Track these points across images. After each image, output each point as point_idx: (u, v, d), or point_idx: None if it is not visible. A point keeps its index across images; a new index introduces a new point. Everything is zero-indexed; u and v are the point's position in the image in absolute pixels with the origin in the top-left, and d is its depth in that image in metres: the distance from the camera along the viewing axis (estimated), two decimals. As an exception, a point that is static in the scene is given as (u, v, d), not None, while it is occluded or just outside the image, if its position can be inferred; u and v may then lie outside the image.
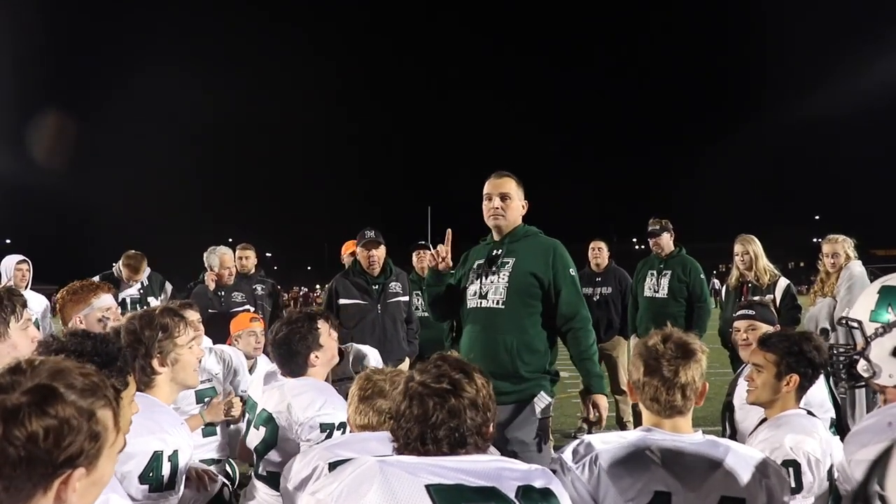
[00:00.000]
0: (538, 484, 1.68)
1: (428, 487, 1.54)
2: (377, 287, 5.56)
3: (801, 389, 2.78)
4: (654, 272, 6.48)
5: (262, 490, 3.01)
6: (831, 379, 2.92)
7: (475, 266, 3.84)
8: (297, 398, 2.96)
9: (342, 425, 2.90)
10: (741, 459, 2.03)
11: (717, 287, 42.51)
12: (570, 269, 3.69)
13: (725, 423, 3.48)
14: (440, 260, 3.85)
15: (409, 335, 5.79)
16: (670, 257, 6.47)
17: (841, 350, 1.99)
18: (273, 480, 2.92)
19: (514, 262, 3.68)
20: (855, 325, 1.94)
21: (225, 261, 6.38)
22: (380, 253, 5.55)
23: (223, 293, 6.32)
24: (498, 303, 3.65)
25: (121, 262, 6.66)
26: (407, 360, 5.58)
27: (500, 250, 3.76)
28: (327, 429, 2.90)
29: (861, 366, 1.91)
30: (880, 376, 1.88)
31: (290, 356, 3.11)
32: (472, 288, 3.79)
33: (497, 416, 3.48)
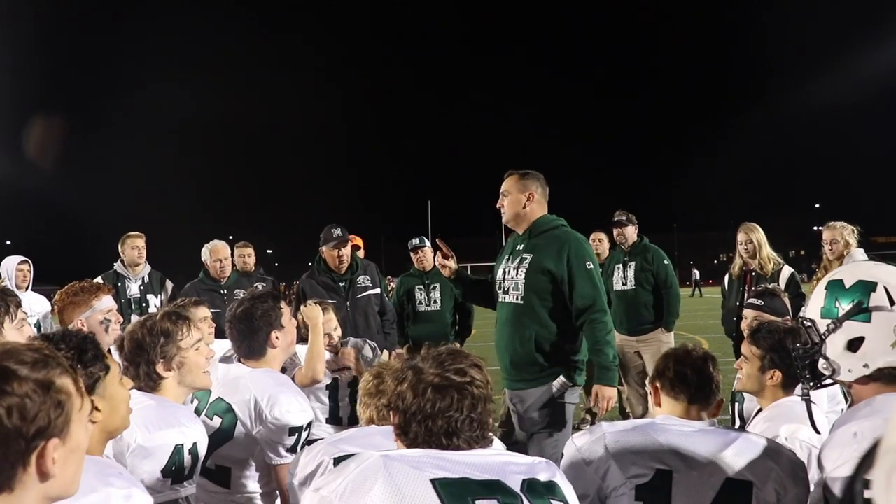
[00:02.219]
0: (543, 477, 1.67)
1: (433, 482, 1.52)
2: (344, 284, 5.47)
3: (789, 383, 2.74)
4: (620, 265, 6.62)
5: (204, 486, 2.86)
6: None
7: (502, 261, 4.00)
8: (263, 393, 2.80)
9: (309, 426, 2.86)
10: (752, 445, 2.07)
11: (696, 278, 42.85)
12: (587, 263, 3.72)
13: (734, 412, 3.48)
14: (443, 268, 4.14)
15: (386, 326, 5.72)
16: (633, 248, 6.60)
17: (799, 349, 1.96)
18: (221, 476, 2.84)
19: (531, 259, 3.77)
20: (809, 324, 1.93)
21: (216, 252, 6.35)
22: (348, 251, 5.47)
23: (225, 291, 6.31)
24: (517, 298, 3.78)
25: (120, 246, 6.60)
26: (385, 353, 5.47)
27: (522, 245, 3.88)
28: (296, 432, 2.79)
29: (821, 364, 1.90)
30: (840, 373, 1.86)
31: (251, 333, 2.95)
32: (497, 283, 3.97)
33: (520, 399, 3.75)
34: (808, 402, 2.06)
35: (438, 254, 4.19)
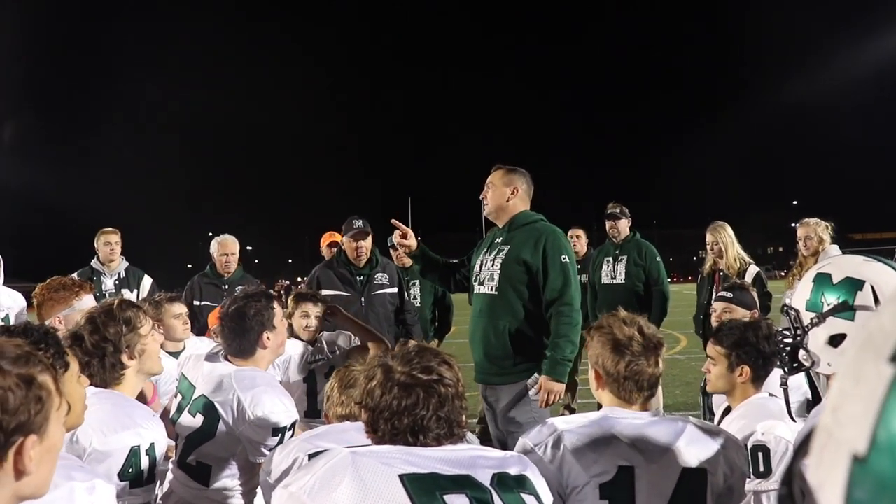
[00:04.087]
0: (513, 471, 1.69)
1: (402, 477, 1.53)
2: (362, 278, 5.34)
3: (759, 377, 2.77)
4: (610, 259, 6.50)
5: (182, 481, 2.85)
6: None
7: (481, 254, 4.04)
8: (246, 393, 2.74)
9: (293, 426, 2.83)
10: (699, 433, 2.12)
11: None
12: (562, 256, 3.71)
13: (704, 407, 3.53)
14: (399, 255, 4.04)
15: (409, 319, 5.58)
16: (625, 242, 6.49)
17: (784, 335, 1.97)
18: (201, 472, 2.81)
19: (508, 250, 3.80)
20: (793, 313, 1.93)
21: (223, 246, 6.33)
22: (367, 243, 5.32)
23: (227, 287, 6.28)
24: (492, 289, 3.80)
25: (95, 242, 6.54)
26: None
27: (501, 238, 3.93)
28: (279, 432, 2.73)
29: (801, 355, 1.91)
30: (819, 365, 1.88)
31: (242, 332, 2.88)
32: (474, 273, 3.99)
33: (495, 397, 3.72)
34: (786, 390, 2.09)
35: (396, 234, 4.09)
